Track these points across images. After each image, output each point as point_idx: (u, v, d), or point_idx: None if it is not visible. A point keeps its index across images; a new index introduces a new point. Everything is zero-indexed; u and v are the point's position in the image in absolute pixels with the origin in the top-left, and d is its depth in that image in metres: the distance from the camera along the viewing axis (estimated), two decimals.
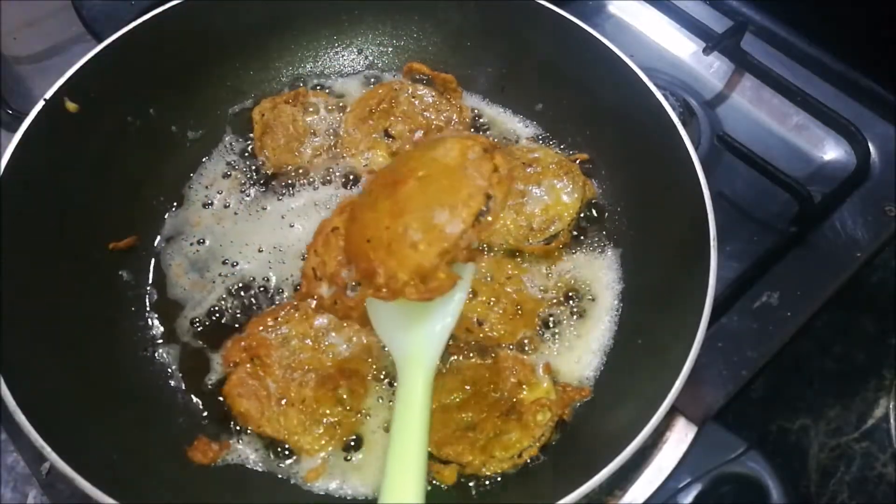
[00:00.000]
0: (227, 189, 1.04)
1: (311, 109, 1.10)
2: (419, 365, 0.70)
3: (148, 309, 0.95)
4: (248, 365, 0.88)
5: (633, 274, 0.96)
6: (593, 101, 1.03)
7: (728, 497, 0.83)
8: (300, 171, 1.06)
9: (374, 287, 0.66)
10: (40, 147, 0.88)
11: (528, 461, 0.83)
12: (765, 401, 1.00)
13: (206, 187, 1.04)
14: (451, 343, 0.91)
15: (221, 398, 0.88)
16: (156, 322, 0.94)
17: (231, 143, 1.08)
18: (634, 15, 1.31)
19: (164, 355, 0.91)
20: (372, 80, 1.15)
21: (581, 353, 0.91)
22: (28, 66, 1.22)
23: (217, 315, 0.94)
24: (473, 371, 0.89)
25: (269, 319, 0.91)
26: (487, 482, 0.82)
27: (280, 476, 0.84)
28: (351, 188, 1.05)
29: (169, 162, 1.04)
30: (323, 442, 0.85)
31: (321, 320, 0.91)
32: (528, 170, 1.02)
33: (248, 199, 1.03)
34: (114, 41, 0.95)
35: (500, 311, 0.93)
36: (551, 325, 0.93)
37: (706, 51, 1.19)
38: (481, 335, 0.91)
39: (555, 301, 0.95)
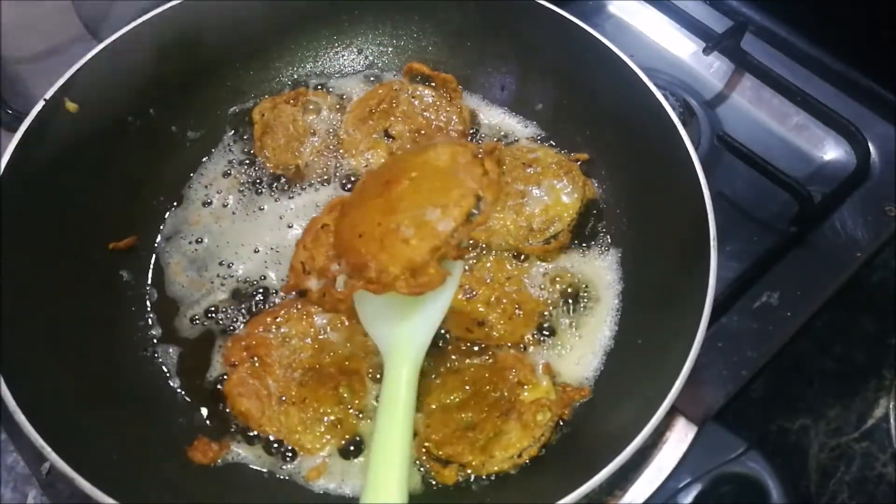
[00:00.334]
0: (226, 189, 1.04)
1: (311, 109, 1.10)
2: (405, 358, 0.72)
3: (148, 309, 0.95)
4: (249, 364, 0.88)
5: (633, 274, 0.96)
6: (593, 101, 1.03)
7: (728, 497, 0.83)
8: (300, 171, 1.06)
9: (365, 280, 0.68)
10: (40, 147, 0.88)
11: (528, 461, 0.83)
12: (765, 401, 1.00)
13: (206, 187, 1.04)
14: (451, 343, 0.91)
15: (221, 398, 0.88)
16: (156, 322, 0.94)
17: (231, 143, 1.08)
18: (634, 15, 1.31)
19: (165, 355, 0.92)
20: (372, 80, 1.15)
21: (581, 353, 0.91)
22: (28, 66, 1.22)
23: (216, 315, 0.94)
24: (473, 371, 0.89)
25: (268, 319, 0.91)
26: (487, 482, 0.82)
27: (280, 476, 0.84)
28: (351, 188, 1.05)
29: (169, 162, 1.04)
30: (324, 440, 0.85)
31: (321, 319, 0.91)
32: (528, 170, 1.02)
33: (247, 198, 1.03)
34: (114, 41, 0.95)
35: (500, 312, 0.93)
36: (551, 325, 0.93)
37: (706, 51, 1.19)
38: (481, 335, 0.91)
39: (555, 301, 0.95)
